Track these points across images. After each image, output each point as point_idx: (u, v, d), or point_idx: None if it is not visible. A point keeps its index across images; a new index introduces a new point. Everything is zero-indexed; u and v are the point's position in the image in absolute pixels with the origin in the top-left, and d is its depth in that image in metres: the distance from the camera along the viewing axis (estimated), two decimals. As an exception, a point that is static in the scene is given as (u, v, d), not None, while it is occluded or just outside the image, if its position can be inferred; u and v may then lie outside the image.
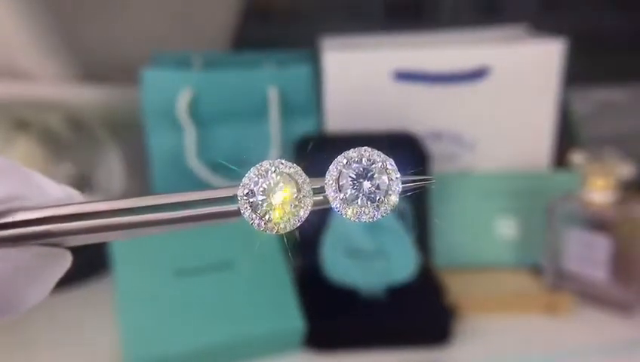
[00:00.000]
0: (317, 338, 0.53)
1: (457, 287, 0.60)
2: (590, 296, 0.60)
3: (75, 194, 0.23)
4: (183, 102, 0.64)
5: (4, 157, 0.21)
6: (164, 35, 0.75)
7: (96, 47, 0.72)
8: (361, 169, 0.19)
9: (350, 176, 0.19)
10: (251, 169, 0.19)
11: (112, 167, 0.68)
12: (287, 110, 0.66)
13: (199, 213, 0.19)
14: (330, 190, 0.19)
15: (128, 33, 0.73)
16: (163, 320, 0.51)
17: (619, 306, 0.58)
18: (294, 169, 0.19)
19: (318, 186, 0.19)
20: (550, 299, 0.59)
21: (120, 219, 0.20)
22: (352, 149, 0.19)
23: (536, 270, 0.65)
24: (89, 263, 0.62)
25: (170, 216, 0.20)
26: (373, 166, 0.19)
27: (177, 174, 0.66)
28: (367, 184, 0.19)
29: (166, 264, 0.54)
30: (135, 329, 0.50)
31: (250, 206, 0.19)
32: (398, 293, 0.56)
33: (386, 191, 0.19)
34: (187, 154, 0.65)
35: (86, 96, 0.69)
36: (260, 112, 0.66)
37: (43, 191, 0.21)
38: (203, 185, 0.65)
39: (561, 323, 0.57)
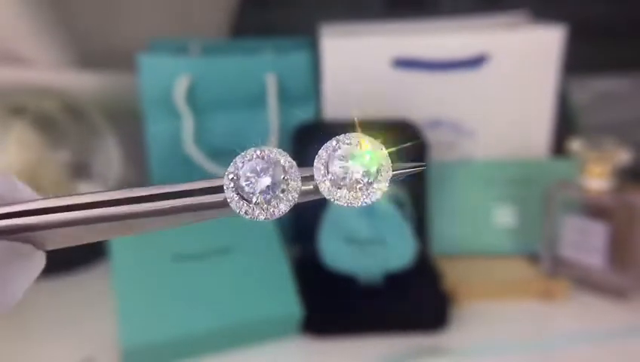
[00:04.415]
0: (314, 324, 0.53)
1: (455, 274, 0.60)
2: (587, 282, 0.60)
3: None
4: (180, 89, 0.64)
5: None
6: (162, 21, 0.75)
7: (94, 34, 0.72)
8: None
9: (339, 160, 0.18)
10: (236, 157, 0.19)
11: (110, 154, 0.68)
12: (286, 97, 0.66)
13: (184, 203, 0.19)
14: (318, 173, 0.18)
15: (126, 19, 0.72)
16: (160, 305, 0.51)
17: (615, 292, 0.59)
18: (279, 151, 0.19)
19: (308, 175, 0.19)
20: (547, 285, 0.59)
21: (99, 211, 0.19)
22: (343, 134, 0.19)
23: (533, 257, 0.65)
24: (87, 249, 0.62)
25: (155, 208, 0.19)
26: None
27: (175, 161, 0.66)
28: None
29: (163, 250, 0.54)
30: (132, 315, 0.50)
31: (236, 192, 0.18)
32: (395, 280, 0.56)
33: (376, 177, 0.19)
34: (185, 141, 0.65)
35: (83, 83, 0.69)
36: (258, 99, 0.66)
37: (21, 194, 0.20)
38: (201, 172, 0.65)
39: (558, 309, 0.58)
